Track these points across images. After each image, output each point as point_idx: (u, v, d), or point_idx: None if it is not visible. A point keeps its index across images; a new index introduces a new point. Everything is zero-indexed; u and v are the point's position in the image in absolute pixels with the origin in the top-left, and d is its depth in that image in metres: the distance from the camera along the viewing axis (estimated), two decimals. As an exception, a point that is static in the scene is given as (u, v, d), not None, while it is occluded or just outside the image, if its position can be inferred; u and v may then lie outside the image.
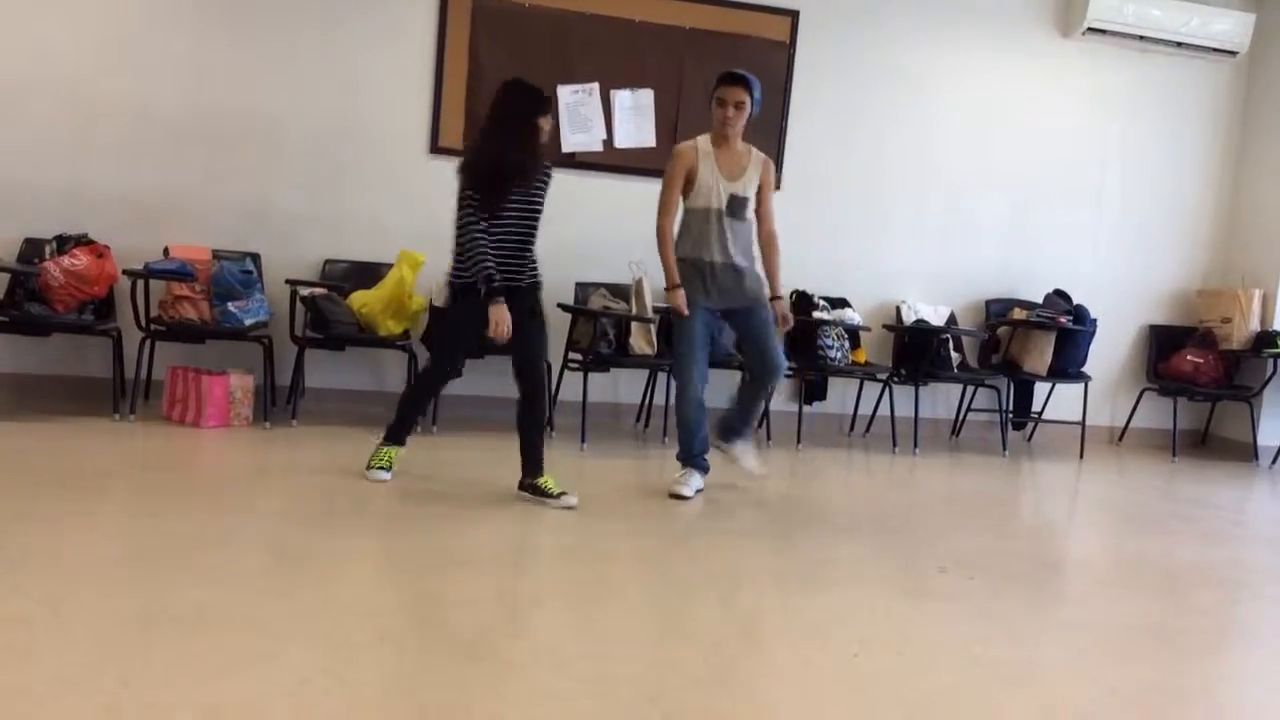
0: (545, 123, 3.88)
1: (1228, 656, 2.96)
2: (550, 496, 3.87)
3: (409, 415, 4.12)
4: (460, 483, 4.16)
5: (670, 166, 4.22)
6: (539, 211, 3.94)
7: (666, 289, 4.24)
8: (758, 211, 4.31)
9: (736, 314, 4.29)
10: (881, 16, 6.29)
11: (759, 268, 4.33)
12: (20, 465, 3.85)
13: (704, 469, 4.31)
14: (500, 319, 3.80)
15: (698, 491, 4.25)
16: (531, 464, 3.94)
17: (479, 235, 3.79)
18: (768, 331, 4.27)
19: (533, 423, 3.93)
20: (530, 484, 3.93)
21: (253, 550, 3.06)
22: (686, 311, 4.16)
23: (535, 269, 3.99)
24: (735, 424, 4.43)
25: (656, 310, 5.65)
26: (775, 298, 4.34)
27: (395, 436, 4.12)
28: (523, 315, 3.88)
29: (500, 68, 5.67)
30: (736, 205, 4.17)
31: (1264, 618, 3.40)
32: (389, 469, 4.06)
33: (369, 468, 4.06)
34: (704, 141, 4.23)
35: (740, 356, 4.64)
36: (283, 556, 3.02)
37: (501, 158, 3.80)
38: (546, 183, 3.95)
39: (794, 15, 6.11)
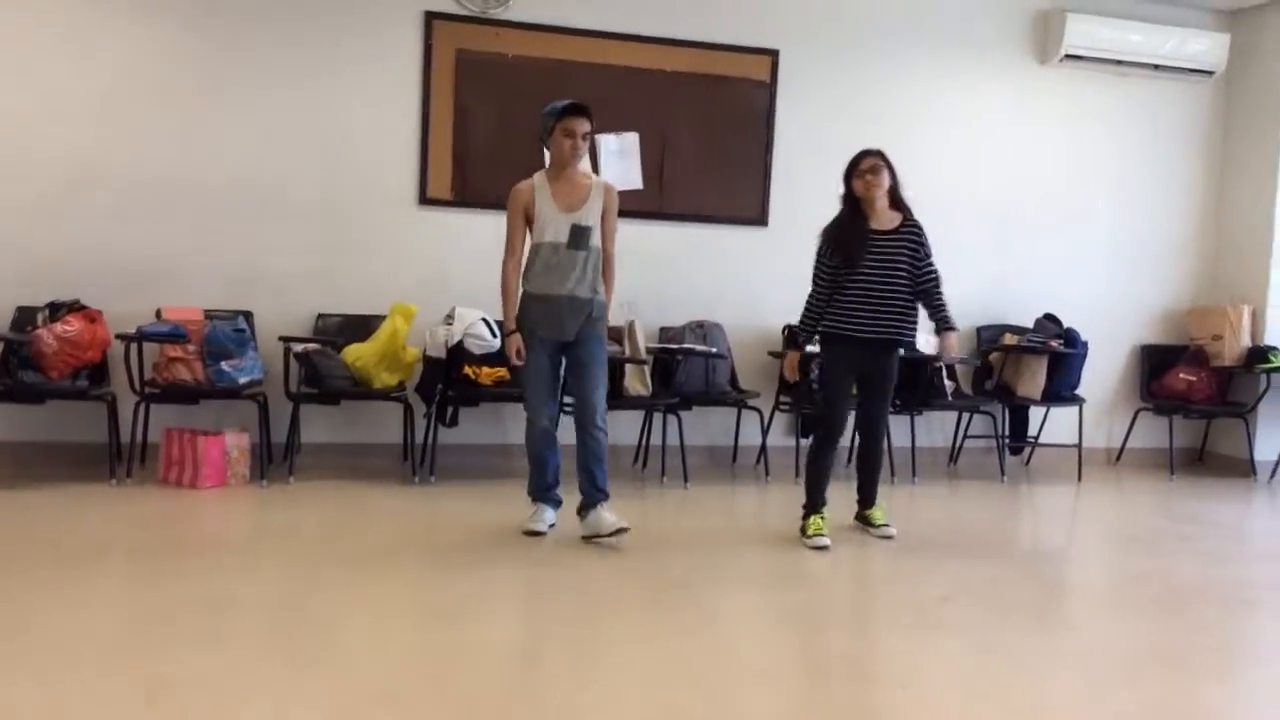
0: (855, 184, 4.52)
1: (1234, 677, 2.95)
2: (875, 527, 4.52)
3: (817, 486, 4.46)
4: (459, 533, 4.15)
5: (509, 208, 4.19)
6: (893, 266, 4.55)
7: (504, 333, 4.27)
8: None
9: (570, 347, 4.17)
10: (860, 52, 6.36)
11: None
12: (17, 534, 3.84)
13: (556, 503, 4.28)
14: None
15: (550, 526, 4.23)
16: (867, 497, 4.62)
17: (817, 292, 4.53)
18: (590, 369, 4.14)
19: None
20: (863, 515, 4.59)
21: (253, 612, 3.05)
22: (519, 361, 4.12)
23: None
24: (582, 487, 4.17)
25: (649, 351, 5.66)
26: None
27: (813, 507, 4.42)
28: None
29: (486, 118, 5.73)
30: (578, 236, 4.10)
31: (1269, 636, 3.39)
32: (823, 534, 4.31)
33: (807, 536, 4.33)
34: (539, 177, 4.20)
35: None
36: (283, 617, 3.01)
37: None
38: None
39: (774, 55, 6.18)
